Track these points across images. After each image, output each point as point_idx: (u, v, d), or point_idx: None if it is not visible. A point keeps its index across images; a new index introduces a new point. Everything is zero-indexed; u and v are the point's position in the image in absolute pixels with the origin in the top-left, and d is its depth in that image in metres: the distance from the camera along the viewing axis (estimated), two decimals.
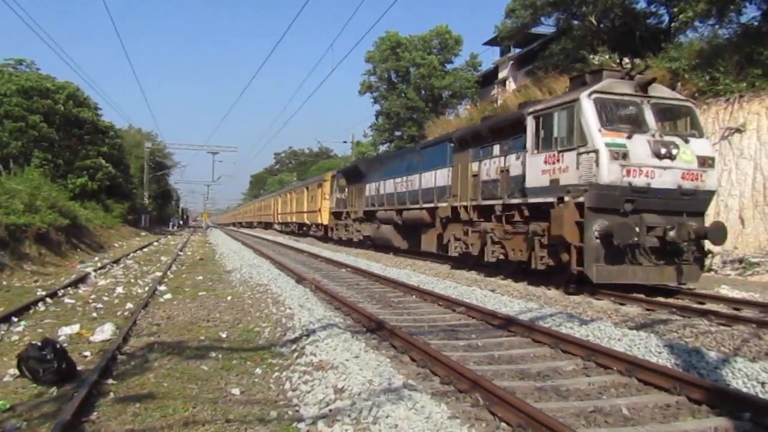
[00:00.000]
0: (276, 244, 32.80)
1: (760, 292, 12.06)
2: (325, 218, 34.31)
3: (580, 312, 9.55)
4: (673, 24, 29.96)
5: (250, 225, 77.33)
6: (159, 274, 15.59)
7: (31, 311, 9.58)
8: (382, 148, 49.42)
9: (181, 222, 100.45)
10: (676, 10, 26.15)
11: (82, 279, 13.84)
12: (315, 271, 16.78)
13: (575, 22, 35.70)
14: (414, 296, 11.39)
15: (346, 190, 29.53)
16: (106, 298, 11.30)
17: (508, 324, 8.15)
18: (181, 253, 24.79)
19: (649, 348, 6.53)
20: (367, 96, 51.38)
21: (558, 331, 7.42)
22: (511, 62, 44.67)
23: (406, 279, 13.75)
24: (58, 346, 5.85)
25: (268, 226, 62.74)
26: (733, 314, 8.86)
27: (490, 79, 48.18)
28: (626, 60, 29.81)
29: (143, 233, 45.32)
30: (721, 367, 5.64)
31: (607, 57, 30.50)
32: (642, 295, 10.77)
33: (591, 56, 31.65)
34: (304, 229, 41.78)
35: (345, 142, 72.78)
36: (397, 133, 48.88)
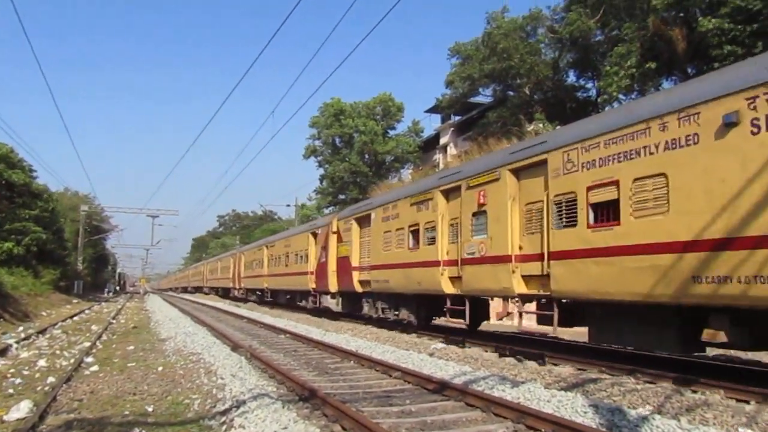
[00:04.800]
0: (217, 311, 31.88)
1: None
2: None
3: (514, 374, 9.67)
4: (600, 97, 32.00)
5: (199, 290, 68.75)
6: (87, 344, 14.86)
7: None
8: (326, 212, 49.60)
9: (117, 288, 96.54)
10: (601, 83, 27.96)
11: (2, 351, 13.04)
12: (253, 338, 16.39)
13: (510, 93, 37.75)
14: (352, 362, 11.27)
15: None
16: (26, 372, 10.67)
17: (442, 388, 8.17)
18: (114, 322, 23.74)
19: (576, 408, 6.68)
20: (312, 160, 51.99)
21: (490, 395, 7.49)
22: (452, 129, 46.41)
23: (345, 344, 13.62)
24: None
25: (225, 293, 49.54)
26: (658, 372, 9.15)
27: (432, 144, 49.77)
28: (559, 128, 31.49)
29: (75, 300, 43.18)
30: (641, 425, 5.82)
31: (541, 125, 32.13)
32: (574, 357, 11.00)
33: (527, 124, 33.30)
34: (287, 298, 29.84)
35: (288, 205, 72.75)
36: (341, 197, 49.33)
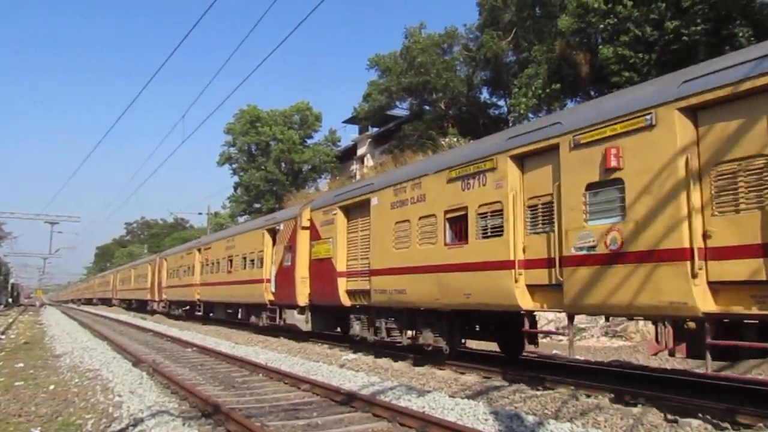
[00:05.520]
0: (121, 324, 30.29)
1: (583, 354, 13.24)
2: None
3: (423, 383, 9.82)
4: (510, 114, 33.38)
5: (108, 302, 59.86)
6: None
7: None
8: (241, 220, 48.56)
9: (10, 300, 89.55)
10: (512, 102, 29.19)
11: None
12: (157, 351, 15.69)
13: (427, 107, 38.69)
14: (260, 375, 11.04)
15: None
16: None
17: (350, 400, 8.16)
18: (3, 337, 21.98)
19: (478, 416, 6.87)
20: (227, 167, 50.81)
21: (396, 405, 7.56)
22: (369, 140, 46.85)
23: (255, 357, 13.32)
24: None
25: (141, 306, 42.06)
26: (557, 378, 9.59)
27: (349, 155, 50.00)
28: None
29: None
30: (536, 430, 6.06)
31: (455, 140, 33.05)
32: (480, 365, 11.30)
33: (441, 138, 34.18)
34: (229, 312, 24.34)
35: (201, 213, 70.48)
36: (257, 206, 48.47)
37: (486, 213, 9.91)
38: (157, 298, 35.92)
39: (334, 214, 14.89)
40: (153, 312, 37.10)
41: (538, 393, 8.71)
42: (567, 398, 8.25)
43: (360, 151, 48.18)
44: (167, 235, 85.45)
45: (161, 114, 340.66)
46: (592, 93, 26.08)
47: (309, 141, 49.51)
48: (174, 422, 6.76)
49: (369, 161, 45.07)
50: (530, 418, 6.62)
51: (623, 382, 8.94)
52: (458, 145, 29.74)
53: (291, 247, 17.12)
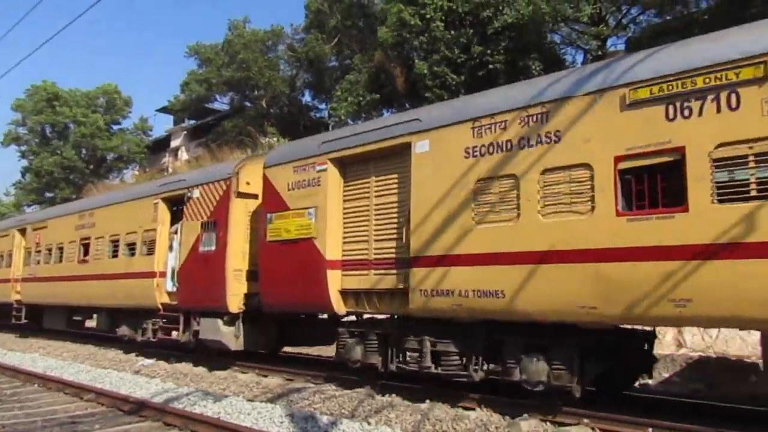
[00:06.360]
0: None
1: None
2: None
3: (223, 388, 9.52)
4: (331, 119, 33.98)
5: None
6: None
7: None
8: (28, 210, 43.02)
9: None
10: (333, 106, 29.58)
11: None
12: None
13: (248, 104, 37.84)
14: (36, 385, 9.84)
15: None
16: None
17: (140, 408, 7.63)
18: None
19: (273, 419, 6.84)
20: (13, 148, 44.71)
21: (191, 412, 7.24)
22: (185, 132, 44.51)
23: (31, 365, 11.84)
24: None
25: None
26: (354, 378, 9.83)
27: (162, 146, 46.97)
28: None
29: None
30: (329, 430, 6.19)
31: (275, 140, 32.69)
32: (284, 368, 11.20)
33: (260, 137, 33.61)
34: (77, 320, 18.31)
35: None
36: (49, 195, 43.32)
37: (737, 159, 5.58)
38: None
39: (320, 171, 9.62)
40: None
41: (338, 393, 8.90)
42: (364, 397, 8.54)
43: (174, 143, 45.51)
44: None
45: None
46: (407, 106, 27.60)
47: (116, 127, 45.48)
48: None
49: (184, 154, 42.78)
50: (325, 419, 6.76)
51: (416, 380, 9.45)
52: (278, 145, 29.41)
53: (216, 224, 11.51)
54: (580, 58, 25.39)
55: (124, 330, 14.01)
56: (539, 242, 6.67)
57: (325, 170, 9.49)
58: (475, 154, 7.49)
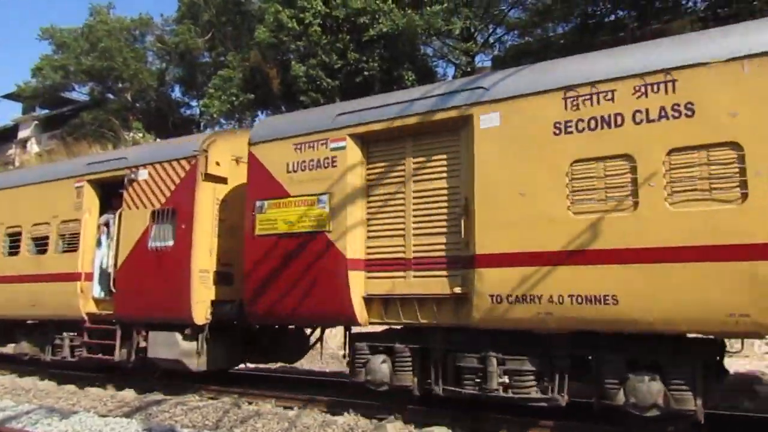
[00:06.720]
0: None
1: None
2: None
3: (73, 403, 8.78)
4: (202, 117, 32.65)
5: None
6: None
7: None
8: None
9: None
10: (205, 103, 28.21)
11: None
12: None
13: (111, 96, 35.36)
14: None
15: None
16: None
17: None
18: None
19: None
20: None
21: (31, 431, 6.57)
22: (36, 123, 40.67)
23: None
24: None
25: None
26: (220, 388, 9.52)
27: (8, 136, 42.52)
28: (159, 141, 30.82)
29: None
30: None
31: (141, 135, 30.83)
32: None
33: (126, 132, 31.50)
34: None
35: None
36: None
37: None
38: None
39: (336, 149, 7.65)
40: None
41: (201, 404, 8.55)
42: (229, 407, 8.28)
43: (22, 134, 41.36)
44: None
45: None
46: (283, 108, 27.27)
47: None
48: None
49: (34, 147, 39.01)
50: (185, 431, 6.46)
51: (288, 388, 9.34)
52: (143, 141, 27.76)
53: (175, 214, 9.16)
54: (451, 71, 26.62)
55: (23, 347, 11.02)
56: (668, 236, 5.46)
57: (343, 148, 7.56)
58: (569, 130, 6.08)
